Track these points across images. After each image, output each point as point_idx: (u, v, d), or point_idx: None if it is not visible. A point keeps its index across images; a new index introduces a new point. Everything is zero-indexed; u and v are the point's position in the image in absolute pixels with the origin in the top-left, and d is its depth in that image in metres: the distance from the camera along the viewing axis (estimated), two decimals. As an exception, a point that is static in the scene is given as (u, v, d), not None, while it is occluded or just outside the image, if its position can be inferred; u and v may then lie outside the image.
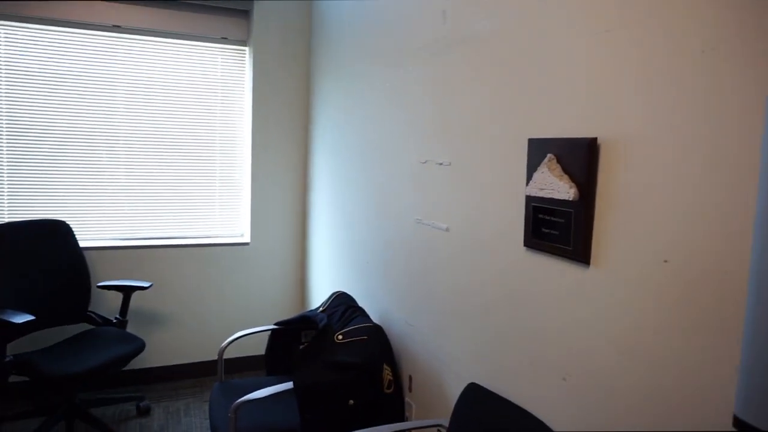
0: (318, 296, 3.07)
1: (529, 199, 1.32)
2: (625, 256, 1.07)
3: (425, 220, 1.87)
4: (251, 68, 3.21)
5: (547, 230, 1.26)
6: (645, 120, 1.02)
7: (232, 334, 2.38)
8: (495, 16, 1.47)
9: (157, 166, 3.13)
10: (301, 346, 2.38)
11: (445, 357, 1.75)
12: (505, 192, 1.43)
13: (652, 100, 1.01)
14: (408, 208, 2.00)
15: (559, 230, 1.22)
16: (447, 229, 1.74)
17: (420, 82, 1.90)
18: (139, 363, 2.98)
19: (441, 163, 1.77)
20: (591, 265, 1.15)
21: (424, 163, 1.88)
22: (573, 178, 1.18)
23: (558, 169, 1.21)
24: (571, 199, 1.16)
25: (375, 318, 2.23)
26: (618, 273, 1.09)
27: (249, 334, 2.32)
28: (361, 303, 2.35)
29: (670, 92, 0.98)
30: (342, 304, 2.23)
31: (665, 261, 0.98)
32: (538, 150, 1.28)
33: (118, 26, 2.96)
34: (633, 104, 1.05)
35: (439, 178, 1.78)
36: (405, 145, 2.01)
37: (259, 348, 3.01)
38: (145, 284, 2.73)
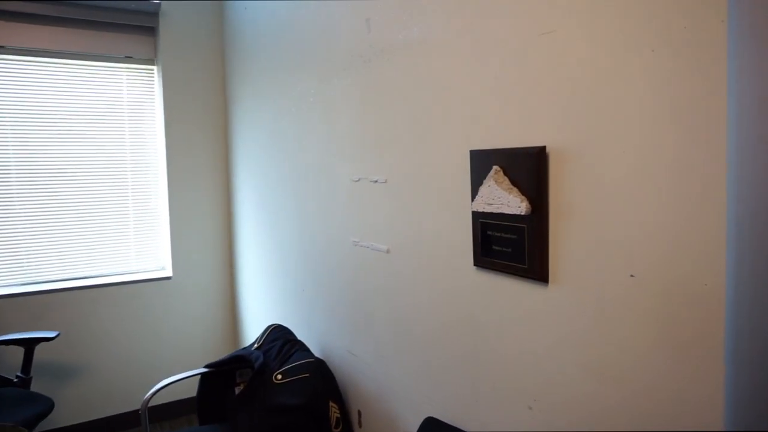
0: (252, 331, 2.86)
1: (477, 215, 1.22)
2: (586, 273, 0.99)
3: (363, 242, 1.75)
4: (161, 88, 2.97)
5: (498, 248, 1.17)
6: (596, 126, 0.95)
7: (157, 380, 2.14)
8: (423, 23, 1.38)
9: (59, 199, 2.82)
10: (236, 389, 2.17)
11: (396, 387, 1.62)
12: (449, 209, 1.33)
13: (602, 104, 0.94)
14: (343, 229, 1.86)
15: (512, 247, 1.13)
16: (387, 251, 1.62)
17: (347, 94, 1.78)
18: (48, 424, 2.63)
19: (375, 181, 1.65)
20: (550, 284, 1.07)
21: (357, 181, 1.75)
22: (523, 190, 1.09)
23: (506, 181, 1.12)
24: (522, 213, 1.07)
25: (316, 351, 2.07)
26: (580, 291, 1.01)
27: (176, 381, 2.08)
28: (299, 335, 2.18)
29: (621, 95, 0.91)
30: (278, 338, 2.05)
31: (632, 276, 0.91)
32: (481, 162, 1.19)
33: (2, 46, 2.64)
34: (581, 109, 0.98)
35: (375, 196, 1.66)
36: (336, 162, 1.88)
37: (191, 389, 2.75)
38: (50, 334, 2.42)
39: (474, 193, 1.22)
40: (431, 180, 1.39)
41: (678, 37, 0.82)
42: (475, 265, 1.25)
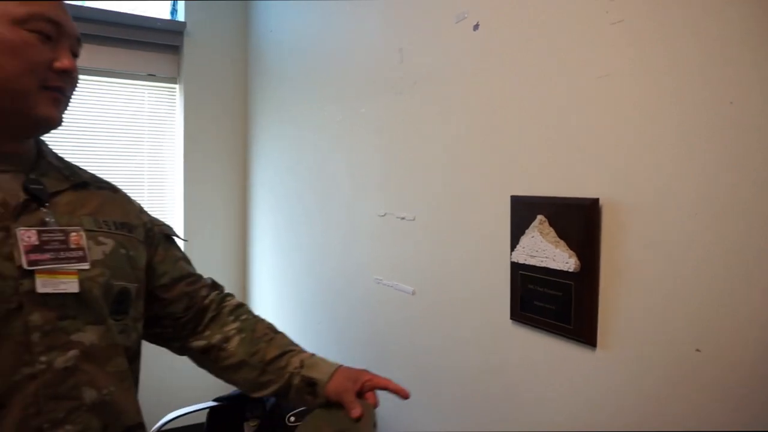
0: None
1: (516, 267, 1.14)
2: (641, 340, 0.90)
3: (386, 281, 1.66)
4: (182, 107, 2.94)
5: (540, 304, 1.08)
6: (660, 180, 0.87)
7: (160, 413, 2.05)
8: (461, 55, 1.31)
9: (74, 219, 2.77)
10: (245, 425, 2.08)
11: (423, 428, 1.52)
12: (484, 255, 1.25)
13: (669, 157, 0.86)
14: (365, 265, 1.78)
15: (556, 305, 1.04)
16: (413, 293, 1.53)
17: (375, 126, 1.71)
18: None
19: (403, 218, 1.58)
20: (598, 348, 0.98)
21: (383, 216, 1.68)
22: (571, 244, 1.01)
23: (552, 233, 1.04)
24: (570, 270, 0.99)
25: (330, 390, 1.97)
26: (633, 359, 0.91)
27: (182, 416, 1.99)
28: (313, 371, 2.09)
29: (692, 147, 0.83)
30: (292, 375, 1.96)
31: (697, 350, 0.82)
32: (523, 210, 1.11)
33: (26, 62, 2.62)
34: (643, 160, 0.90)
35: (402, 234, 1.58)
36: (361, 195, 1.81)
37: (199, 415, 2.65)
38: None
39: (514, 242, 1.13)
40: (464, 222, 1.31)
41: (758, 87, 0.74)
42: (511, 318, 1.16)
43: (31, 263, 0.70)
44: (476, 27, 1.27)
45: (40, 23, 0.73)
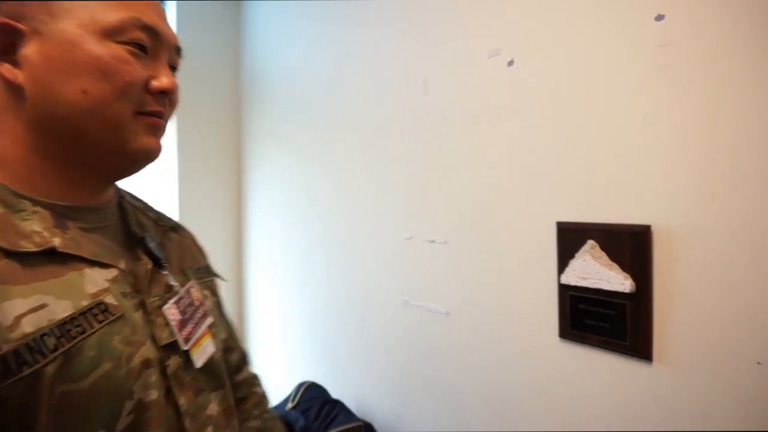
0: (272, 387, 2.76)
1: (565, 288, 1.22)
2: (698, 354, 0.99)
3: (414, 301, 1.72)
4: (176, 130, 2.92)
5: (592, 322, 1.16)
6: (714, 205, 0.97)
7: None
8: (500, 91, 1.40)
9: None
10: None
11: (455, 456, 1.57)
12: (528, 277, 1.32)
13: (724, 181, 0.96)
14: (391, 288, 1.84)
15: (610, 322, 1.13)
16: (447, 313, 1.59)
17: (397, 157, 1.78)
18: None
19: (432, 241, 1.64)
20: (654, 362, 1.06)
21: (409, 239, 1.74)
22: (624, 267, 1.09)
23: (604, 257, 1.13)
24: (627, 291, 1.08)
25: (355, 412, 2.00)
26: (691, 373, 1.00)
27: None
28: (333, 393, 2.11)
29: (748, 171, 0.93)
30: (316, 397, 1.99)
31: (759, 363, 0.91)
32: (572, 235, 1.20)
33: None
34: (695, 185, 1.00)
35: (432, 257, 1.64)
36: (384, 220, 1.87)
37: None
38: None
39: (562, 265, 1.22)
40: (505, 247, 1.39)
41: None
42: (561, 336, 1.24)
43: (187, 341, 0.63)
44: (511, 63, 1.36)
45: (135, 32, 0.57)
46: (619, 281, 1.09)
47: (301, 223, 2.44)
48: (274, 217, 2.72)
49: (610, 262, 1.12)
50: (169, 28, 0.63)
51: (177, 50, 0.65)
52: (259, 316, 2.91)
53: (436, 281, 1.63)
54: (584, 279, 1.16)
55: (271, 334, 2.79)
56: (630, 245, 1.08)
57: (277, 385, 2.69)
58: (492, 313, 1.43)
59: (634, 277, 1.08)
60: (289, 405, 2.01)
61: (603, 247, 1.13)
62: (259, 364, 2.88)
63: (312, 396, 2.01)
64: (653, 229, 1.06)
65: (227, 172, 3.05)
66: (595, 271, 1.13)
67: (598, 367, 1.17)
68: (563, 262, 1.22)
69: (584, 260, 1.16)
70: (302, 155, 2.42)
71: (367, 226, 1.96)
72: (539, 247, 1.29)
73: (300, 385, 2.10)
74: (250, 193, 3.00)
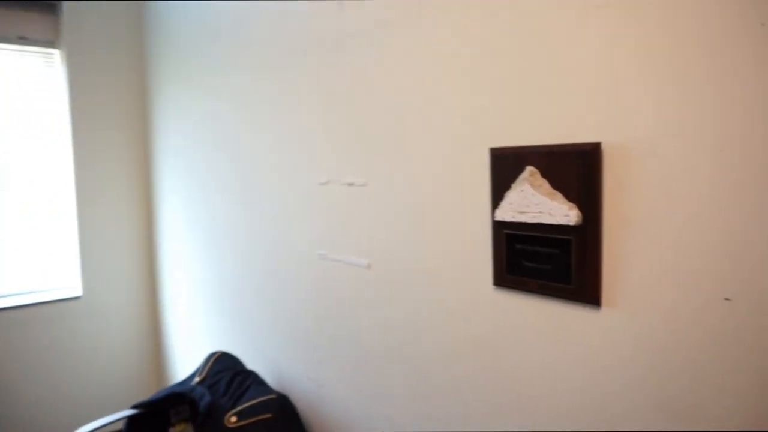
0: (184, 361, 2.49)
1: (500, 226, 1.03)
2: (655, 295, 0.83)
3: (332, 255, 1.50)
4: (66, 76, 2.53)
5: (531, 264, 0.98)
6: (675, 117, 0.79)
7: (69, 426, 1.75)
8: (423, -3, 1.17)
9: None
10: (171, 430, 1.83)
11: (378, 423, 1.39)
12: (458, 217, 1.13)
13: (682, 91, 0.78)
14: (305, 241, 1.60)
15: (552, 264, 0.94)
16: (368, 266, 1.38)
17: (311, 85, 1.52)
18: None
19: (351, 184, 1.41)
20: (603, 307, 0.89)
21: (325, 184, 1.50)
22: (569, 196, 0.91)
23: (545, 185, 0.94)
24: (571, 223, 0.89)
25: (272, 383, 1.78)
26: (647, 316, 0.84)
27: (97, 429, 1.70)
28: (249, 364, 1.88)
29: (712, 79, 0.75)
30: (225, 369, 1.75)
31: (726, 299, 0.75)
32: (508, 163, 1.00)
33: None
34: (651, 93, 0.81)
35: (351, 202, 1.42)
36: (296, 163, 1.62)
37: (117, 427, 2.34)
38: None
39: (497, 199, 1.02)
40: (431, 183, 1.18)
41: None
42: (495, 284, 1.05)
43: None
44: (437, -38, 1.13)
45: None
46: (562, 212, 0.90)
47: (208, 173, 2.15)
48: (181, 167, 2.41)
49: (553, 191, 0.93)
50: None
51: None
52: (168, 279, 2.61)
53: (356, 230, 1.41)
54: (522, 213, 0.97)
55: (179, 299, 2.50)
56: (576, 169, 0.90)
57: (189, 357, 2.43)
58: (418, 262, 1.23)
59: (581, 207, 0.89)
60: (196, 379, 1.77)
61: (544, 174, 0.94)
62: (176, 338, 2.60)
63: (222, 368, 1.77)
64: (604, 147, 0.87)
65: (130, 120, 2.69)
66: (535, 202, 0.94)
67: (539, 317, 0.99)
68: (498, 195, 1.02)
69: (522, 191, 0.97)
70: (210, 98, 2.11)
71: (278, 172, 1.70)
72: (470, 180, 1.09)
73: (209, 357, 1.85)
74: (158, 145, 2.65)
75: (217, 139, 2.05)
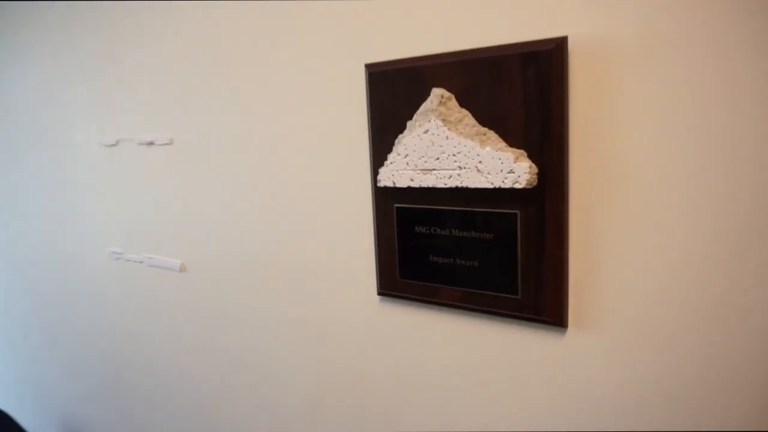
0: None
1: (388, 196, 0.60)
2: (655, 308, 0.46)
3: (129, 254, 0.98)
4: None
5: (442, 260, 0.57)
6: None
7: None
8: None
9: None
10: None
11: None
12: (320, 187, 0.68)
13: None
14: (90, 235, 1.06)
15: (481, 258, 0.55)
16: (181, 268, 0.89)
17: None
18: None
19: (150, 143, 0.90)
20: (571, 328, 0.52)
21: (113, 145, 0.97)
22: (510, 137, 0.51)
23: (467, 119, 0.53)
24: (519, 185, 0.49)
25: (55, 427, 1.21)
26: (641, 341, 0.48)
27: None
28: (19, 405, 1.29)
29: None
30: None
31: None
32: (399, 86, 0.57)
33: None
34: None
35: (152, 171, 0.91)
36: (69, 117, 1.05)
37: None
38: None
39: (381, 151, 0.59)
40: (274, 135, 0.72)
41: None
42: (380, 293, 0.64)
43: None
44: None
45: None
46: (502, 165, 0.50)
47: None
48: None
49: (483, 129, 0.52)
50: None
51: None
52: None
53: (162, 216, 0.91)
54: (426, 172, 0.55)
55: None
56: (523, 88, 0.50)
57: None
58: (259, 259, 0.77)
59: (534, 156, 0.50)
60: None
61: (465, 101, 0.53)
62: None
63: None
64: (572, 45, 0.48)
65: None
66: (451, 150, 0.53)
67: (460, 350, 0.59)
68: (382, 144, 0.59)
69: (426, 132, 0.55)
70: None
71: (42, 132, 1.12)
72: (336, 122, 0.65)
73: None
74: None
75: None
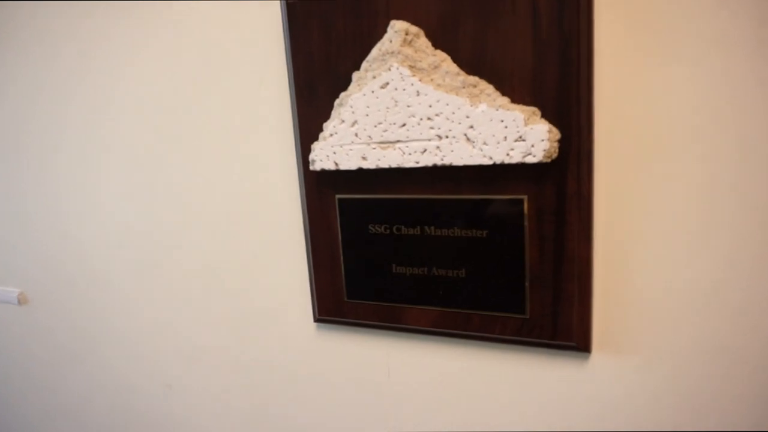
0: None
1: (324, 183, 0.42)
2: (695, 325, 0.34)
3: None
4: None
5: (411, 270, 0.40)
6: None
7: None
8: None
9: None
10: None
11: None
12: (215, 184, 0.48)
13: None
14: None
15: (468, 264, 0.39)
16: (20, 300, 0.64)
17: None
18: None
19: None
20: (593, 353, 0.38)
21: None
22: (514, 91, 0.35)
23: (447, 65, 0.36)
24: (537, 158, 0.34)
25: None
26: (676, 364, 0.35)
27: None
28: None
29: None
30: None
31: None
32: (337, 19, 0.39)
33: None
34: None
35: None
36: None
37: None
38: None
39: (309, 121, 0.41)
40: (153, 101, 0.50)
41: None
42: (319, 320, 0.45)
43: None
44: None
45: None
46: (506, 132, 0.34)
47: None
48: None
49: (472, 78, 0.35)
50: None
51: None
52: None
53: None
54: (387, 145, 0.38)
55: None
56: (534, 8, 0.34)
57: None
58: (128, 286, 0.55)
59: (549, 115, 0.34)
60: None
61: (440, 36, 0.36)
62: None
63: None
64: (597, -47, 0.33)
65: None
66: (425, 110, 0.36)
67: (432, 391, 0.43)
68: (314, 108, 0.41)
69: (385, 85, 0.37)
70: None
71: None
72: (241, 76, 0.45)
73: None
74: None
75: None
